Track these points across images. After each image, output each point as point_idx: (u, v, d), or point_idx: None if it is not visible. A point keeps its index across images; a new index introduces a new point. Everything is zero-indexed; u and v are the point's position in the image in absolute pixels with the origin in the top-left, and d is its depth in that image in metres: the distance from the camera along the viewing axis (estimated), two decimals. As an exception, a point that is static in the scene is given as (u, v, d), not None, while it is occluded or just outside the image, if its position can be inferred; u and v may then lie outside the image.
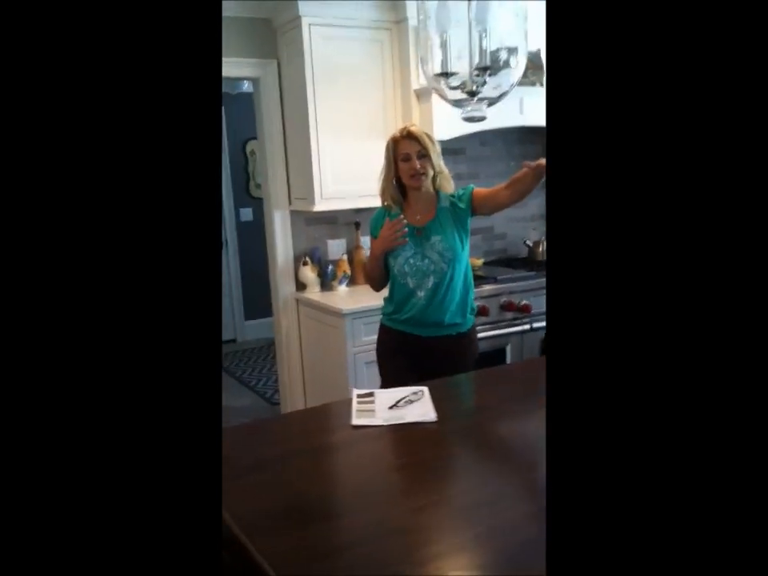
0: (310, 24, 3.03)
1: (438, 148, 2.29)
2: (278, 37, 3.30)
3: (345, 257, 3.48)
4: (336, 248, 3.54)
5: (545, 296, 3.44)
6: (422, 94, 3.21)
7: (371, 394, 1.85)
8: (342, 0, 3.07)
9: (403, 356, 2.36)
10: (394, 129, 3.27)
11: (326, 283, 3.45)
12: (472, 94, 1.45)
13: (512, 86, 1.46)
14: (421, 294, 2.29)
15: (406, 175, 2.27)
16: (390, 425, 1.64)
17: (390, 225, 2.23)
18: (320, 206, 3.20)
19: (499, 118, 3.40)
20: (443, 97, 1.54)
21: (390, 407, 1.74)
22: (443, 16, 1.41)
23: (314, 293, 3.43)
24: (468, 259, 2.38)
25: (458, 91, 1.47)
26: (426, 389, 1.85)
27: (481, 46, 1.39)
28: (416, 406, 1.75)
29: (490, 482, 1.37)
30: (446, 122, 3.19)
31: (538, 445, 1.51)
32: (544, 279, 3.46)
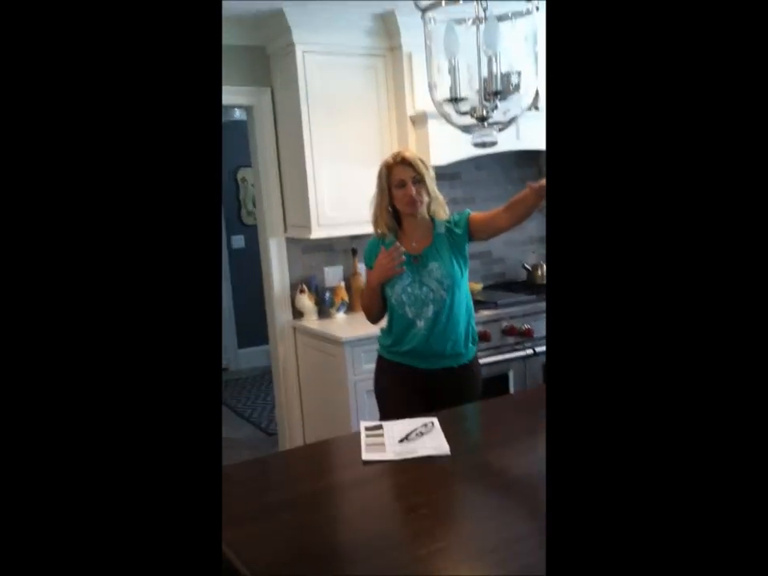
0: (303, 51, 3.02)
1: (432, 173, 2.23)
2: (271, 64, 3.28)
3: (342, 284, 3.44)
4: (333, 275, 3.50)
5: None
6: (418, 120, 3.20)
7: (380, 427, 1.80)
8: (336, 27, 3.06)
9: (403, 391, 2.23)
10: (389, 155, 3.26)
11: (323, 311, 3.41)
12: (482, 119, 1.42)
13: (523, 110, 1.43)
14: (421, 323, 2.20)
15: (401, 202, 2.19)
16: (402, 459, 1.58)
17: (387, 253, 2.14)
18: (317, 233, 3.17)
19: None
20: (452, 123, 1.51)
21: (401, 440, 1.69)
22: (451, 40, 1.38)
23: (311, 321, 3.38)
24: (468, 286, 2.30)
25: (467, 117, 1.44)
26: (435, 420, 1.80)
27: (491, 70, 1.36)
28: (427, 438, 1.70)
29: (502, 526, 1.29)
30: (442, 148, 3.17)
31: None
32: (545, 303, 3.43)
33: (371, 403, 3.03)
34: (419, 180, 2.17)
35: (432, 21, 1.42)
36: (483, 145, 1.51)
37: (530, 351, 3.32)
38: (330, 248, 3.49)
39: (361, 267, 3.50)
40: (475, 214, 2.25)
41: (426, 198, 2.19)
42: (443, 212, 2.25)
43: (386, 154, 3.25)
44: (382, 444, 1.68)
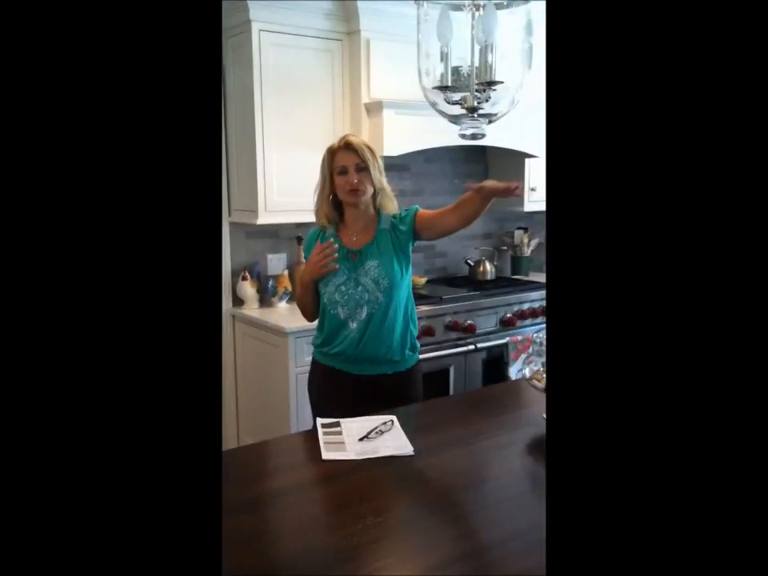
0: (260, 30, 2.90)
1: (381, 163, 2.06)
2: (224, 41, 3.14)
3: (286, 272, 3.34)
4: (276, 263, 3.40)
5: (489, 316, 3.43)
6: (373, 109, 3.13)
7: (337, 424, 1.74)
8: (295, 6, 2.96)
9: (333, 396, 2.08)
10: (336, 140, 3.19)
11: (265, 299, 3.31)
12: (473, 109, 1.37)
13: (514, 102, 1.39)
14: (353, 325, 2.04)
15: (342, 190, 2.02)
16: (364, 459, 1.53)
17: (320, 248, 2.00)
18: (263, 219, 3.06)
19: (448, 136, 3.37)
20: (439, 111, 1.45)
21: (361, 439, 1.64)
22: (445, 26, 1.32)
23: (252, 309, 3.27)
24: (410, 289, 2.13)
25: (456, 107, 1.39)
26: (394, 418, 1.75)
27: (486, 60, 1.31)
28: (388, 437, 1.66)
29: (447, 541, 1.23)
30: (395, 139, 3.12)
31: (511, 485, 1.44)
32: (488, 299, 3.44)
33: (312, 395, 2.97)
34: (363, 168, 1.99)
35: (425, 4, 1.35)
36: (473, 137, 1.46)
37: (471, 347, 3.33)
38: (275, 234, 3.39)
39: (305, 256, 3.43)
40: (423, 211, 2.09)
41: (369, 189, 2.02)
42: (392, 205, 2.10)
43: (338, 141, 3.20)
44: (342, 443, 1.63)
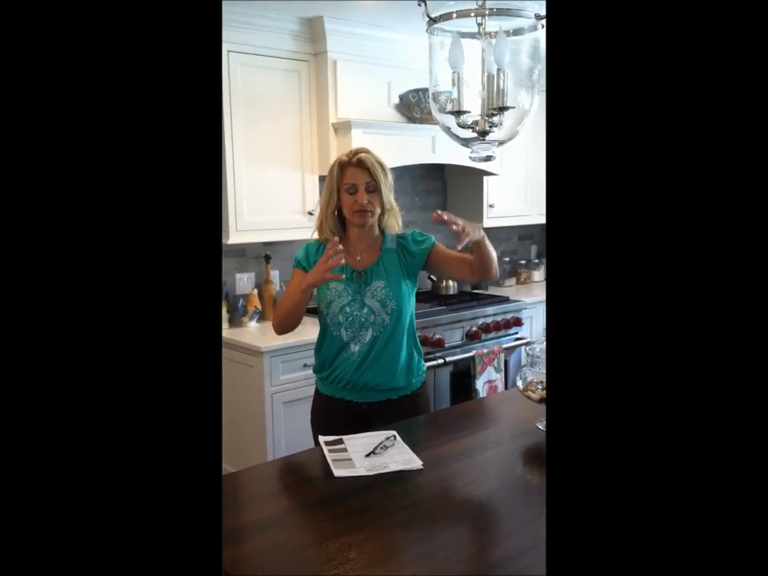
0: (229, 50, 2.91)
1: (391, 180, 1.97)
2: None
3: (255, 291, 3.34)
4: (245, 282, 3.39)
5: (454, 330, 3.50)
6: (340, 128, 3.18)
7: (340, 441, 1.76)
8: (263, 27, 2.99)
9: (336, 426, 1.90)
10: (310, 161, 3.23)
11: (235, 319, 3.29)
12: (484, 133, 1.42)
13: (523, 126, 1.45)
14: (355, 348, 1.96)
15: (349, 210, 1.92)
16: (376, 474, 1.56)
17: (328, 248, 1.81)
18: (234, 239, 3.06)
19: (413, 155, 3.45)
20: (452, 135, 1.50)
21: (367, 455, 1.66)
22: (457, 53, 1.37)
23: (222, 329, 3.25)
24: (414, 315, 2.05)
25: (468, 130, 1.44)
26: (395, 433, 1.78)
27: (498, 85, 1.37)
28: (394, 451, 1.69)
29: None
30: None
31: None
32: (454, 313, 3.52)
33: (287, 415, 2.97)
34: (374, 188, 1.91)
35: (437, 32, 1.40)
36: (487, 159, 1.51)
37: (440, 361, 3.39)
38: (243, 253, 3.38)
39: (273, 275, 3.43)
40: (441, 247, 2.01)
41: (377, 210, 1.94)
42: (396, 224, 2.03)
43: (307, 160, 3.24)
44: (350, 459, 1.65)
